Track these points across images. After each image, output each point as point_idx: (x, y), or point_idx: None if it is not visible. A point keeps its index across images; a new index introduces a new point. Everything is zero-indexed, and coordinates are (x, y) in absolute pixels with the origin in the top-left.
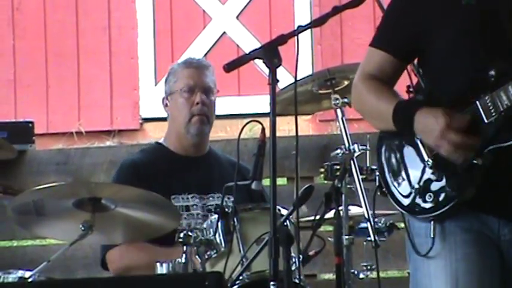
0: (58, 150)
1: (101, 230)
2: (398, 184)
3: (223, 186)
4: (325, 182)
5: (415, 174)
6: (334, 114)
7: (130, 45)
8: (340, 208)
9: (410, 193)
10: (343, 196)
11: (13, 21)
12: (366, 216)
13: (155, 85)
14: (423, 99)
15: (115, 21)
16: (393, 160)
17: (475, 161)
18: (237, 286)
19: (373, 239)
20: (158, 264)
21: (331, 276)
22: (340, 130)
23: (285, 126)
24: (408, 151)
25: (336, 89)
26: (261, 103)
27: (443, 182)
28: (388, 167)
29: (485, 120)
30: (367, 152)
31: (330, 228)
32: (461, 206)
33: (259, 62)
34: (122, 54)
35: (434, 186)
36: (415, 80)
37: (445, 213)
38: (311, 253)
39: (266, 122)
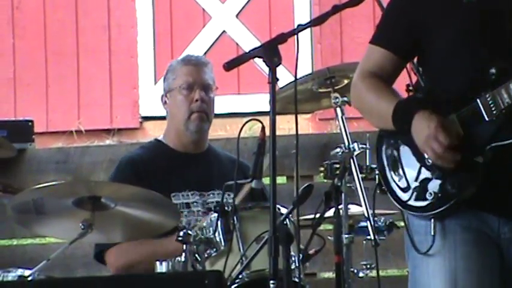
0: (58, 149)
1: (101, 228)
2: (399, 181)
3: (223, 183)
4: (325, 180)
5: (413, 172)
6: (333, 113)
7: (130, 44)
8: (339, 207)
9: (410, 191)
10: (342, 195)
11: (13, 20)
12: (366, 215)
13: (155, 84)
14: (423, 98)
15: (115, 20)
16: (393, 158)
17: (476, 159)
18: (236, 285)
19: (372, 238)
20: (158, 263)
21: (330, 275)
22: (340, 129)
23: (285, 125)
24: (404, 150)
25: (336, 87)
26: (261, 102)
27: (441, 180)
28: (388, 164)
29: (486, 118)
30: (367, 150)
31: (330, 227)
32: (462, 204)
33: (259, 61)
34: (121, 53)
35: (434, 184)
36: (414, 78)
37: (445, 211)
38: (311, 252)
39: (266, 120)
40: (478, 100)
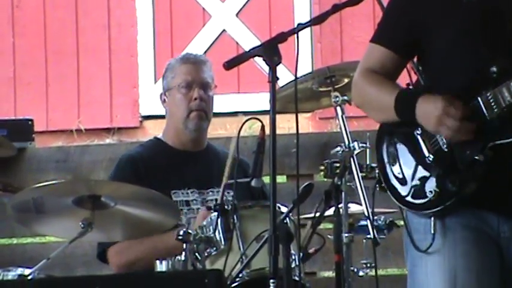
0: (58, 148)
1: (101, 227)
2: (399, 178)
3: (222, 181)
4: (325, 179)
5: (412, 171)
6: (334, 112)
7: (130, 43)
8: (339, 206)
9: (411, 188)
10: (342, 194)
11: (13, 19)
12: (366, 214)
13: (155, 83)
14: (425, 88)
15: (115, 19)
16: (392, 155)
17: (476, 157)
18: (236, 283)
19: (372, 237)
20: (158, 262)
21: (330, 274)
22: (340, 128)
23: (285, 124)
24: (401, 148)
25: (336, 86)
26: (261, 101)
27: (442, 178)
28: (389, 161)
29: (487, 117)
30: (367, 149)
31: (330, 226)
32: (462, 202)
33: (259, 60)
34: (121, 52)
35: (434, 182)
36: (414, 78)
37: (445, 209)
38: (311, 251)
39: (266, 119)
40: (479, 98)
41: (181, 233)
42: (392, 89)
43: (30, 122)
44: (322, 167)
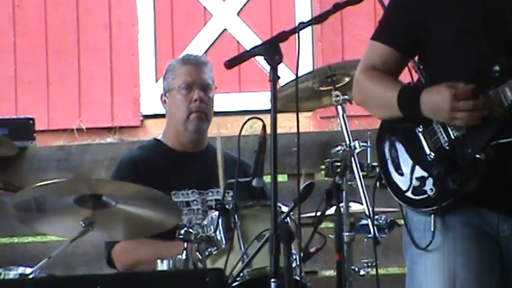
0: (59, 147)
1: (102, 226)
2: (399, 175)
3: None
4: (326, 178)
5: (412, 169)
6: (335, 111)
7: (131, 42)
8: (340, 205)
9: (412, 185)
10: (343, 193)
11: (14, 18)
12: (367, 213)
13: (156, 82)
14: (427, 84)
15: (116, 18)
16: (393, 153)
17: (478, 156)
18: (237, 283)
19: (373, 236)
20: (159, 261)
21: (331, 273)
22: (341, 127)
23: (286, 123)
24: (400, 148)
25: (337, 85)
26: (262, 100)
27: (443, 176)
28: (390, 158)
29: (489, 116)
30: (368, 148)
31: (331, 225)
32: (462, 200)
33: (260, 59)
34: (122, 51)
35: (435, 180)
36: (415, 76)
37: (446, 206)
38: (312, 250)
39: (267, 118)
40: (481, 97)
41: (182, 232)
42: (395, 85)
43: (31, 121)
44: (323, 166)
